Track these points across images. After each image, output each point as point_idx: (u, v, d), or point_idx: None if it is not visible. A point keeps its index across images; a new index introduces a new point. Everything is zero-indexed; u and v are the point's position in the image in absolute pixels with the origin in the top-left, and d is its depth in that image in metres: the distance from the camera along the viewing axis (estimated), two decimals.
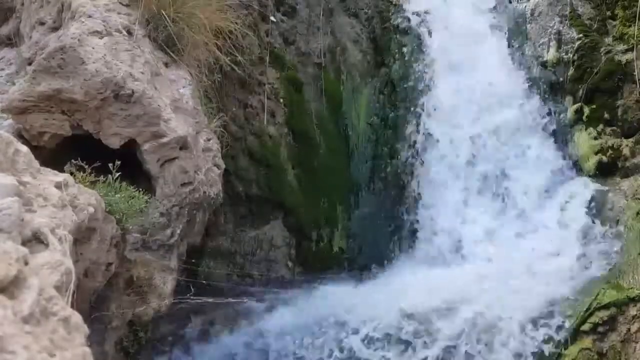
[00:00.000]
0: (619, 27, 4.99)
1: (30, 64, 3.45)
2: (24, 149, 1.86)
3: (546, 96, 5.24)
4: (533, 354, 3.72)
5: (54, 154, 3.03)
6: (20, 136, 3.11)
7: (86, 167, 2.63)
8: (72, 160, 2.68)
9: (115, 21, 3.39)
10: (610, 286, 3.83)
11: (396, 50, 5.49)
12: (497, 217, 4.92)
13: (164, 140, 3.31)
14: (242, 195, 4.81)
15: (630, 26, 4.92)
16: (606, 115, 4.94)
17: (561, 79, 5.17)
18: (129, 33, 3.44)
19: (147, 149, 3.30)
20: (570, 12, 5.20)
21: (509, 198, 4.97)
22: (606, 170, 4.86)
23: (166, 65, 3.72)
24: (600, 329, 3.66)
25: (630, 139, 4.87)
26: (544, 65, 5.25)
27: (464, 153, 5.12)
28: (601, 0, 5.11)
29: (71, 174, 2.38)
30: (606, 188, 4.77)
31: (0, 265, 1.25)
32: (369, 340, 3.88)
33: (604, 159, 4.87)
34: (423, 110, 5.27)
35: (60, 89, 3.10)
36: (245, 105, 4.88)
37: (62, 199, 1.92)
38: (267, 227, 4.84)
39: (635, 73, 4.80)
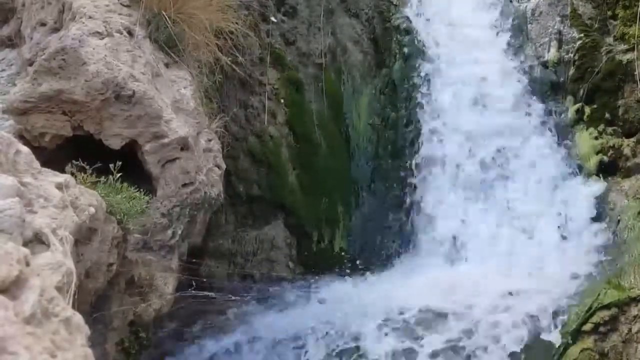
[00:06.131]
0: (619, 26, 4.99)
1: (31, 65, 3.45)
2: (25, 149, 1.86)
3: (547, 96, 5.24)
4: (533, 354, 3.72)
5: (54, 155, 3.03)
6: (21, 137, 3.11)
7: (87, 167, 2.63)
8: (73, 161, 2.68)
9: (116, 22, 3.40)
10: (611, 286, 3.83)
11: (397, 51, 5.49)
12: (498, 218, 4.91)
13: (165, 140, 3.32)
14: (242, 195, 4.81)
15: (631, 26, 4.91)
16: (607, 115, 4.94)
17: (562, 79, 5.17)
18: (130, 34, 3.44)
19: (148, 149, 3.30)
20: (571, 12, 5.19)
21: (510, 198, 4.96)
22: (607, 170, 4.86)
23: (167, 65, 3.72)
24: (602, 329, 3.66)
25: (631, 139, 4.87)
26: (544, 65, 5.24)
27: (464, 153, 5.11)
28: (602, 0, 5.10)
29: (72, 174, 2.38)
30: (607, 188, 4.77)
31: (1, 266, 1.25)
32: (369, 341, 3.88)
33: (605, 158, 4.87)
34: (424, 110, 5.27)
35: (61, 89, 3.10)
36: (246, 106, 4.88)
37: (63, 200, 1.92)
38: (268, 227, 4.84)
39: (636, 73, 4.79)
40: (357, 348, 3.87)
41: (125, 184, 2.80)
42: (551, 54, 5.21)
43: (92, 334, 1.41)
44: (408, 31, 5.51)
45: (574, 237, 4.60)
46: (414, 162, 5.18)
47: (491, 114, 5.21)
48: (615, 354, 3.59)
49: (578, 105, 5.07)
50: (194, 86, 3.78)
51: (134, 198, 2.80)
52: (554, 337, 3.73)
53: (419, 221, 5.04)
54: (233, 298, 4.08)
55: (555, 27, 5.24)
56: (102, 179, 2.69)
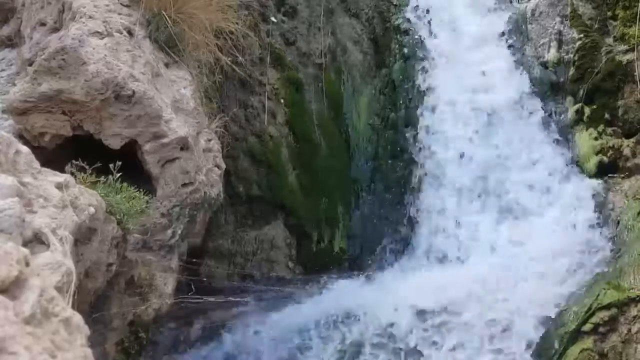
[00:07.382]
0: (619, 27, 4.99)
1: (31, 64, 3.45)
2: (25, 149, 1.86)
3: (547, 96, 5.23)
4: (533, 354, 3.72)
5: (54, 155, 3.03)
6: (20, 137, 3.11)
7: (87, 167, 2.63)
8: (73, 161, 2.68)
9: (116, 22, 3.40)
10: (611, 286, 3.83)
11: (397, 51, 5.49)
12: (498, 217, 4.91)
13: (165, 140, 3.32)
14: (242, 195, 4.81)
15: (630, 26, 4.91)
16: (607, 116, 4.93)
17: (562, 79, 5.17)
18: (130, 34, 3.44)
19: (148, 149, 3.30)
20: (571, 12, 5.19)
21: (510, 199, 4.96)
22: (607, 171, 4.85)
23: (167, 65, 3.72)
24: (601, 329, 3.66)
25: (631, 139, 4.86)
26: (544, 65, 5.24)
27: (464, 153, 5.11)
28: (602, 0, 5.10)
29: (72, 174, 2.39)
30: (607, 188, 4.76)
31: (1, 266, 1.25)
32: (369, 342, 3.88)
33: (605, 159, 4.87)
34: (424, 110, 5.27)
35: (61, 89, 3.11)
36: (245, 106, 4.88)
37: (62, 200, 1.92)
38: (267, 227, 4.84)
39: (636, 73, 4.79)
40: (357, 349, 3.88)
41: (125, 184, 2.80)
42: (551, 55, 5.21)
43: (92, 334, 1.41)
44: (408, 31, 5.51)
45: (573, 238, 4.59)
46: (413, 161, 5.18)
47: (491, 113, 5.21)
48: (614, 355, 3.59)
49: (578, 105, 5.07)
50: (193, 86, 3.78)
51: (133, 198, 2.80)
52: (553, 338, 3.73)
53: (418, 221, 5.04)
54: (233, 300, 4.08)
55: (555, 27, 5.23)
56: (102, 178, 2.70)
